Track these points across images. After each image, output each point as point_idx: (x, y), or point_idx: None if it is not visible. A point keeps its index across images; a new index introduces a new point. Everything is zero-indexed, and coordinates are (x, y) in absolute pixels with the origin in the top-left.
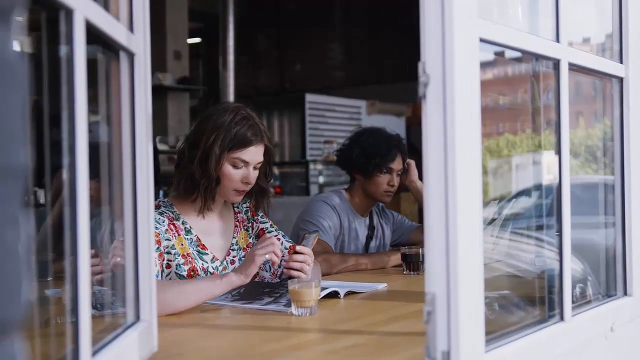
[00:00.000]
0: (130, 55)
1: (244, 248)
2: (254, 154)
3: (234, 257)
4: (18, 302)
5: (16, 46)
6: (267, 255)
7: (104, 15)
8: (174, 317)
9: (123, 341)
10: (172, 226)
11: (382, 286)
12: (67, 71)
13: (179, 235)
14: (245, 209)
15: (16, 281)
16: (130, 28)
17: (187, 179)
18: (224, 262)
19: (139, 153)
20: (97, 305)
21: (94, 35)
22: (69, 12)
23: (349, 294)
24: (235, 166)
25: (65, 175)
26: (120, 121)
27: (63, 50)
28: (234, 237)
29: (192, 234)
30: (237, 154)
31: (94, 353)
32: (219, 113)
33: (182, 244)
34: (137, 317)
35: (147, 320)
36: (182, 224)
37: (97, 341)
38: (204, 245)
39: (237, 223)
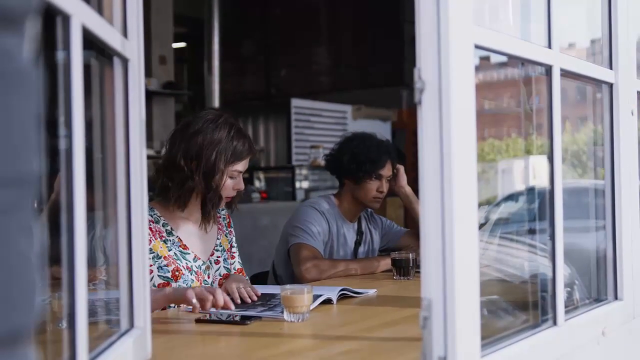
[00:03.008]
0: (125, 61)
1: (227, 250)
2: (247, 163)
3: (218, 257)
4: (32, 310)
5: (29, 53)
6: (194, 300)
7: (100, 21)
8: (168, 325)
9: (118, 348)
10: (149, 230)
11: (372, 292)
12: (64, 77)
13: (156, 239)
14: (223, 216)
15: (31, 289)
16: (124, 34)
17: (188, 193)
18: (207, 262)
19: (133, 159)
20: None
21: (89, 41)
22: (66, 18)
23: (342, 298)
24: (231, 177)
25: (62, 181)
26: (114, 127)
27: (59, 55)
28: (217, 239)
29: (173, 235)
30: (235, 167)
31: None
32: (212, 129)
33: (161, 247)
34: (131, 324)
35: (142, 327)
36: (163, 226)
37: (92, 348)
38: (185, 245)
39: (220, 226)
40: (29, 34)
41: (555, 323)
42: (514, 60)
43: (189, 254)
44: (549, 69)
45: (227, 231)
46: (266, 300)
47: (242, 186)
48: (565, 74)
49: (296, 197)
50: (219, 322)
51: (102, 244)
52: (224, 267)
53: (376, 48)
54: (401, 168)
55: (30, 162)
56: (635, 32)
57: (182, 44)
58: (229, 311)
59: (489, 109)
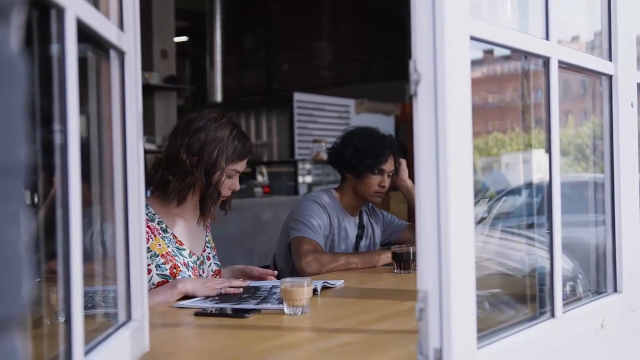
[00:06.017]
0: (121, 54)
1: (213, 247)
2: (245, 164)
3: (208, 253)
4: (19, 299)
5: (15, 44)
6: (222, 290)
7: (95, 14)
8: (165, 317)
9: (115, 341)
10: (147, 228)
11: (339, 283)
12: (59, 70)
13: (155, 236)
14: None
15: (18, 278)
16: (121, 26)
17: (187, 187)
18: (201, 257)
19: (129, 153)
20: (87, 304)
21: (84, 34)
22: (60, 11)
23: (324, 288)
24: (229, 176)
25: (57, 175)
26: (111, 120)
27: (54, 48)
28: (207, 236)
29: (168, 232)
30: (234, 166)
31: (86, 353)
32: (215, 127)
33: (159, 244)
34: (129, 317)
35: (139, 320)
36: (158, 224)
37: (88, 341)
38: (180, 241)
39: (208, 223)
40: (16, 24)
41: (553, 315)
42: (514, 52)
43: (184, 249)
44: (546, 61)
45: (210, 230)
46: (253, 293)
47: (237, 187)
48: (563, 66)
49: (299, 191)
50: (218, 315)
51: (103, 238)
52: (214, 263)
53: (378, 41)
54: (403, 162)
55: (17, 152)
56: (635, 24)
57: (184, 38)
58: (227, 304)
59: (493, 102)
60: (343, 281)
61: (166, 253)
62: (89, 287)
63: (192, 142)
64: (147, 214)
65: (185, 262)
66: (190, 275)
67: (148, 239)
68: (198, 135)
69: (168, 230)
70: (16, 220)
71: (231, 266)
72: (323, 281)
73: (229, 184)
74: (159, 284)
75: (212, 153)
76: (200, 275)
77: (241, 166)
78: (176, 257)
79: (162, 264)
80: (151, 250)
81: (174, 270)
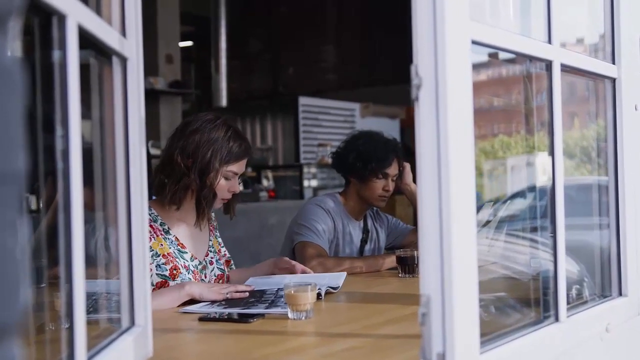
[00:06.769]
0: (123, 60)
1: (217, 252)
2: (243, 165)
3: (211, 258)
4: (17, 306)
5: (13, 51)
6: (228, 295)
7: (97, 20)
8: (169, 323)
9: (118, 346)
10: (149, 228)
11: (342, 275)
12: (60, 76)
13: (157, 236)
14: (213, 219)
15: (15, 285)
16: (123, 33)
17: (183, 189)
18: (203, 262)
19: (132, 158)
20: (90, 309)
21: (86, 40)
22: (62, 18)
23: (328, 293)
24: (226, 178)
25: (59, 181)
26: (114, 126)
27: (55, 55)
28: (210, 240)
29: (171, 234)
30: (230, 167)
31: (89, 358)
32: (210, 128)
33: (161, 245)
34: (132, 322)
35: (142, 325)
36: (160, 225)
37: (92, 346)
38: (182, 244)
39: (211, 228)
40: (13, 32)
41: (557, 319)
42: (517, 56)
43: (186, 252)
44: (549, 65)
45: (216, 233)
46: (259, 297)
47: (237, 189)
48: (566, 69)
49: (304, 195)
50: (222, 320)
51: (107, 244)
52: (217, 267)
53: (383, 45)
54: (407, 166)
55: (14, 160)
56: (638, 27)
57: (189, 43)
58: (235, 309)
59: (499, 105)
60: (345, 273)
61: (167, 254)
62: (91, 287)
63: (187, 144)
64: (150, 215)
65: (186, 265)
66: (190, 279)
67: (150, 238)
68: (193, 137)
69: (170, 232)
70: (13, 228)
71: (269, 261)
72: (327, 284)
73: (228, 186)
74: (158, 285)
75: (205, 154)
76: (202, 279)
77: (238, 167)
78: (177, 259)
79: (163, 264)
80: (152, 250)
81: (174, 272)
